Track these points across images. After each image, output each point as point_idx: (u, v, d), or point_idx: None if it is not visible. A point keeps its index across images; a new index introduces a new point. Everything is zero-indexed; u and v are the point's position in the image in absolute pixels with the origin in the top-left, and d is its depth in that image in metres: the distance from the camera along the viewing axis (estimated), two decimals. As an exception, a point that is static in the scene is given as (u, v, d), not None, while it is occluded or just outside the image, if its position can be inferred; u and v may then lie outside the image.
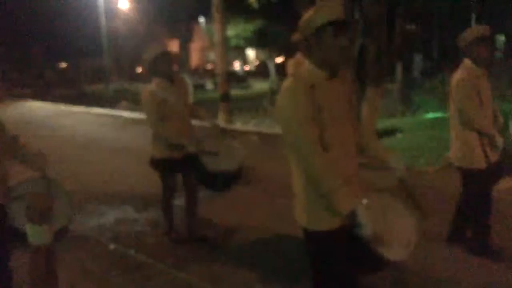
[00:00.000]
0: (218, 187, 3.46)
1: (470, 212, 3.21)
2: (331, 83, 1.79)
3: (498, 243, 3.27)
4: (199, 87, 25.03)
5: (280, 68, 25.46)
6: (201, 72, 35.55)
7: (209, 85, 26.48)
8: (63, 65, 41.69)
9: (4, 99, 19.32)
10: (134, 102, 18.12)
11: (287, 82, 1.78)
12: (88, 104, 16.47)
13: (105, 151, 7.87)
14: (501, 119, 3.14)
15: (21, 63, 34.52)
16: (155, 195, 4.76)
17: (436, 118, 9.63)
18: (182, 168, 3.46)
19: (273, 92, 17.17)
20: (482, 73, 3.01)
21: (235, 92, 15.62)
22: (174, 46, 36.23)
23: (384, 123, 9.01)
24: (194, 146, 3.22)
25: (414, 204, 1.95)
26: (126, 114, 13.26)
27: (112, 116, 13.08)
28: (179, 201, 3.83)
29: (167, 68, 3.31)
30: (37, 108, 16.53)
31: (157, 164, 3.48)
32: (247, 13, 21.14)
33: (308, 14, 1.77)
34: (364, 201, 1.76)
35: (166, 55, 3.30)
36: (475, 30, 2.99)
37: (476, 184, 3.09)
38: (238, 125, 10.91)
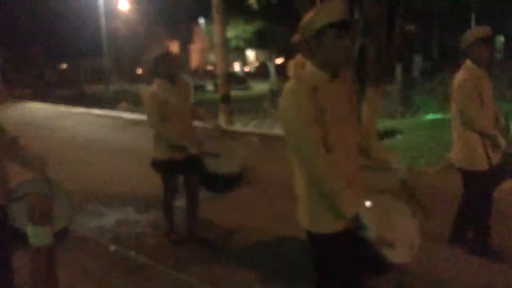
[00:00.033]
0: (219, 188, 3.45)
1: (471, 213, 3.21)
2: (333, 84, 1.79)
3: (498, 244, 3.27)
4: (199, 88, 25.05)
5: (280, 69, 25.50)
6: (201, 73, 35.59)
7: (209, 86, 26.50)
8: (63, 65, 41.73)
9: (4, 101, 19.32)
10: (134, 103, 18.13)
11: (289, 84, 1.78)
12: (88, 105, 16.47)
13: (105, 152, 7.87)
14: (502, 120, 3.14)
15: (21, 63, 34.54)
16: (156, 196, 4.77)
17: (436, 119, 9.63)
18: (183, 169, 3.46)
19: (273, 93, 17.16)
20: (484, 74, 3.01)
21: (235, 93, 15.61)
22: (174, 47, 36.23)
23: (384, 124, 9.01)
24: (195, 148, 3.22)
25: (416, 205, 1.95)
26: (126, 115, 13.26)
27: (112, 117, 13.08)
28: (179, 202, 3.83)
29: (167, 69, 3.31)
30: (37, 109, 16.54)
31: (158, 165, 3.47)
32: (247, 14, 21.17)
33: (308, 16, 1.77)
34: (367, 203, 1.76)
35: (166, 56, 3.30)
36: (477, 31, 2.99)
37: (477, 186, 3.09)
38: (238, 126, 10.91)
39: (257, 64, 40.45)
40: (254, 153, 6.44)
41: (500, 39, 23.66)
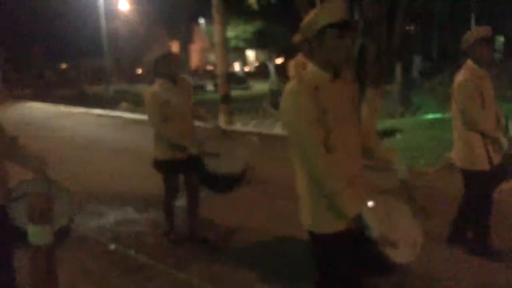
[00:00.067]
0: (220, 188, 3.45)
1: (471, 213, 3.21)
2: (334, 84, 1.79)
3: (498, 244, 3.27)
4: (199, 88, 25.07)
5: (280, 69, 25.51)
6: (201, 73, 35.60)
7: (209, 86, 26.51)
8: (63, 65, 41.72)
9: (4, 101, 19.32)
10: (134, 103, 18.14)
11: (290, 84, 1.78)
12: (88, 105, 16.48)
13: (105, 152, 7.87)
14: (503, 120, 3.14)
15: (21, 63, 34.54)
16: (156, 196, 4.77)
17: (435, 119, 9.64)
18: (184, 169, 3.46)
19: (273, 93, 17.16)
20: (485, 74, 3.01)
21: (235, 93, 15.62)
22: (174, 47, 36.22)
23: (383, 124, 9.02)
24: (195, 148, 3.22)
25: (416, 206, 1.95)
26: (126, 115, 13.26)
27: (112, 117, 13.08)
28: (180, 202, 3.83)
29: (169, 69, 3.31)
30: (37, 109, 16.54)
31: (160, 165, 3.48)
32: (247, 14, 21.18)
33: (309, 16, 1.77)
34: (370, 203, 1.76)
35: (167, 57, 3.30)
36: (478, 31, 2.99)
37: (478, 185, 3.09)
38: (238, 126, 10.92)
39: (257, 64, 40.45)
40: (254, 153, 6.44)
41: (500, 39, 23.66)
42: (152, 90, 3.33)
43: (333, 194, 1.70)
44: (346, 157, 1.79)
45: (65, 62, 41.22)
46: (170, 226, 3.71)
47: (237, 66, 37.59)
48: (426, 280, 2.92)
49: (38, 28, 31.45)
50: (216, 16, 10.38)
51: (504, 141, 2.95)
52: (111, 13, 29.92)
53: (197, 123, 3.58)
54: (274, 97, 16.02)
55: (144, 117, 11.97)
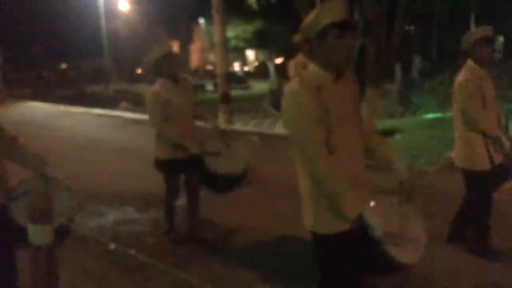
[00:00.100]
0: (220, 188, 3.45)
1: (471, 213, 3.21)
2: (336, 84, 1.79)
3: (498, 244, 3.27)
4: (199, 88, 25.08)
5: (280, 68, 25.52)
6: (201, 73, 35.61)
7: (209, 86, 26.52)
8: (63, 65, 41.71)
9: (4, 101, 19.32)
10: (134, 103, 18.15)
11: (291, 84, 1.77)
12: (88, 105, 16.48)
13: (105, 152, 7.87)
14: (503, 120, 3.14)
15: (21, 63, 34.53)
16: (155, 195, 4.77)
17: (435, 119, 9.64)
18: (185, 168, 3.45)
19: (272, 93, 17.18)
20: (485, 74, 3.01)
21: (235, 93, 15.63)
22: (174, 47, 36.21)
23: (383, 124, 9.02)
24: (196, 148, 3.22)
25: (416, 206, 1.95)
26: (126, 114, 13.26)
27: (112, 116, 13.08)
28: (180, 202, 3.83)
29: (169, 69, 3.31)
30: (37, 109, 16.54)
31: (161, 165, 3.47)
32: (246, 14, 21.18)
33: (310, 16, 1.76)
34: (372, 203, 1.76)
35: (168, 57, 3.30)
36: (479, 31, 2.99)
37: (479, 185, 3.08)
38: (238, 126, 10.92)
39: (256, 64, 40.46)
40: (254, 152, 6.44)
41: (500, 39, 23.67)
42: (153, 89, 3.33)
43: (335, 195, 1.70)
44: (348, 157, 1.78)
45: (65, 62, 41.21)
46: (170, 226, 3.71)
47: (237, 66, 37.60)
48: (426, 280, 2.93)
49: (38, 28, 31.44)
50: (216, 16, 10.38)
51: (505, 142, 2.95)
52: (111, 13, 29.91)
53: (197, 123, 3.58)
54: (274, 96, 16.05)
55: (144, 116, 11.96)
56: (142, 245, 3.68)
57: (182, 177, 3.60)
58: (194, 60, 41.73)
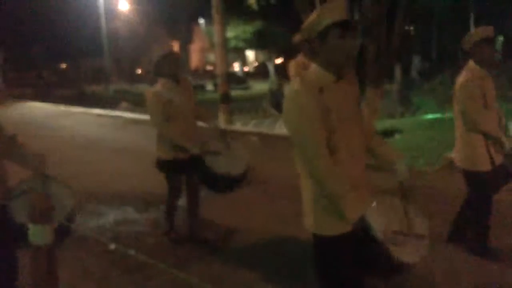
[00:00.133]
0: (220, 189, 3.45)
1: (471, 213, 3.21)
2: (338, 85, 1.78)
3: (498, 244, 3.27)
4: (199, 88, 25.09)
5: (280, 69, 25.52)
6: (201, 73, 35.63)
7: (209, 86, 26.52)
8: (63, 65, 41.72)
9: (5, 101, 19.33)
10: (134, 103, 18.15)
11: (293, 85, 1.76)
12: (88, 105, 16.48)
13: (105, 152, 7.87)
14: (504, 121, 3.14)
15: (21, 63, 34.54)
16: (155, 195, 4.77)
17: (435, 119, 9.64)
18: (187, 169, 3.44)
19: (272, 93, 17.17)
20: (486, 74, 3.01)
21: (234, 93, 15.63)
22: (174, 47, 36.24)
23: (383, 124, 9.01)
24: (197, 148, 3.22)
25: (415, 206, 1.95)
26: (126, 114, 13.26)
27: (112, 116, 13.08)
28: (180, 202, 3.82)
29: (172, 69, 3.30)
30: (37, 109, 16.54)
31: (162, 165, 3.47)
32: (246, 14, 21.19)
33: (312, 17, 1.76)
34: (374, 204, 1.75)
35: (169, 56, 3.29)
36: (480, 31, 2.99)
37: (480, 186, 3.08)
38: (238, 126, 10.92)
39: (256, 64, 40.48)
40: (254, 152, 6.44)
41: (500, 38, 23.68)
42: (154, 89, 3.32)
43: (336, 197, 1.69)
44: (349, 157, 1.78)
45: (65, 62, 41.22)
46: (170, 226, 3.71)
47: (236, 66, 37.60)
48: (426, 280, 2.93)
49: (38, 28, 31.44)
50: (216, 16, 10.38)
51: (506, 142, 2.95)
52: (111, 13, 29.92)
53: (198, 123, 3.58)
54: (274, 97, 16.05)
55: (143, 116, 11.97)
56: (142, 245, 3.68)
57: (183, 177, 3.60)
58: (194, 60, 41.75)
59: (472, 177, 3.10)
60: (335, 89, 1.76)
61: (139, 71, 38.77)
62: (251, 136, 8.40)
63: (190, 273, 3.15)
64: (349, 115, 1.80)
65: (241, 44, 24.90)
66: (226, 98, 10.53)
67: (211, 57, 33.06)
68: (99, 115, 13.45)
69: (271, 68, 27.55)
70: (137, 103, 17.62)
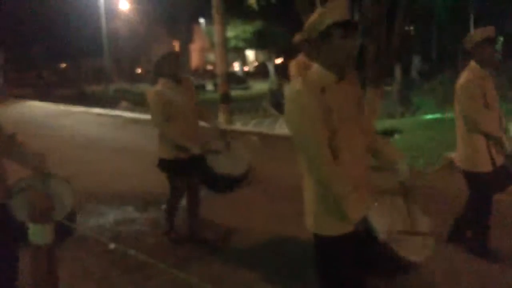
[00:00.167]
0: (221, 189, 3.44)
1: (472, 213, 3.20)
2: (340, 85, 1.78)
3: (497, 244, 3.27)
4: (199, 88, 25.08)
5: (280, 69, 25.53)
6: (201, 73, 35.61)
7: (209, 86, 26.52)
8: (63, 65, 41.73)
9: (5, 100, 19.34)
10: (134, 103, 18.15)
11: (295, 85, 1.76)
12: (88, 105, 16.48)
13: (105, 151, 7.87)
14: (504, 121, 3.13)
15: (22, 63, 34.53)
16: (155, 195, 4.77)
17: (435, 119, 9.64)
18: (189, 168, 3.43)
19: (272, 93, 17.19)
20: (487, 74, 3.00)
21: (234, 93, 15.64)
22: (175, 47, 36.20)
23: (383, 124, 9.02)
24: (198, 148, 3.21)
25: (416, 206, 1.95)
26: (126, 114, 13.27)
27: (112, 116, 13.08)
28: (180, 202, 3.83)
29: (171, 68, 3.29)
30: (37, 108, 16.54)
31: (164, 165, 3.46)
32: (246, 14, 21.19)
33: (313, 17, 1.76)
34: (375, 205, 1.75)
35: (172, 55, 3.28)
36: (481, 31, 2.98)
37: (481, 187, 3.07)
38: (238, 126, 10.92)
39: (256, 64, 40.48)
40: (254, 152, 6.44)
41: (500, 38, 23.69)
42: (155, 89, 3.32)
43: (338, 197, 1.69)
44: (351, 157, 1.78)
45: (65, 62, 41.22)
46: (171, 226, 3.71)
47: (236, 66, 37.61)
48: (426, 280, 2.93)
49: (38, 28, 31.42)
50: (216, 16, 10.38)
51: (507, 143, 2.94)
52: (112, 13, 29.91)
53: (200, 123, 3.57)
54: (274, 97, 16.06)
55: (143, 116, 11.96)
56: (142, 245, 3.68)
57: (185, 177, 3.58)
58: (194, 60, 41.74)
59: (472, 178, 3.09)
60: (336, 89, 1.76)
61: (139, 70, 38.76)
62: (251, 136, 8.40)
63: (190, 273, 3.14)
64: (351, 115, 1.80)
65: (241, 44, 24.91)
66: (226, 98, 10.53)
67: (211, 57, 33.04)
68: (99, 115, 13.45)
69: (271, 68, 27.55)
70: (137, 103, 17.64)
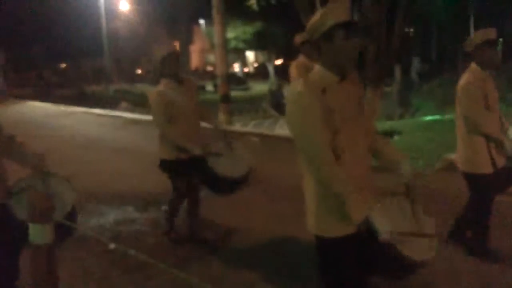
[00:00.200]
0: (222, 190, 3.44)
1: (472, 213, 3.21)
2: (341, 85, 1.78)
3: (497, 244, 3.27)
4: (199, 88, 25.03)
5: (279, 70, 25.56)
6: (201, 74, 35.60)
7: (208, 87, 26.51)
8: (63, 65, 41.74)
9: (5, 100, 19.34)
10: (134, 103, 18.16)
11: (296, 87, 1.75)
12: (88, 105, 16.49)
13: (105, 151, 7.87)
14: (505, 123, 3.13)
15: (21, 63, 34.54)
16: (155, 195, 4.78)
17: (434, 120, 9.64)
18: (190, 169, 3.43)
19: (272, 94, 17.20)
20: (487, 76, 3.01)
21: (234, 93, 15.65)
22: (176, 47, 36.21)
23: (382, 125, 9.02)
24: (199, 149, 3.21)
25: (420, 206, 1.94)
26: (126, 114, 13.27)
27: (112, 116, 13.09)
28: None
29: (172, 69, 3.29)
30: (37, 108, 16.54)
31: (165, 166, 3.46)
32: (247, 15, 21.22)
33: (316, 17, 1.76)
34: (377, 205, 1.75)
35: (173, 55, 3.28)
36: (482, 34, 2.98)
37: (481, 188, 3.07)
38: (238, 127, 10.93)
39: (256, 65, 40.50)
40: (254, 153, 6.45)
41: (500, 39, 23.71)
42: (157, 90, 3.31)
43: (340, 198, 1.69)
44: (352, 158, 1.77)
45: (65, 62, 41.23)
46: (171, 226, 3.71)
47: (236, 67, 37.63)
48: (426, 280, 2.93)
49: (38, 28, 31.45)
50: (216, 16, 10.39)
51: (507, 144, 2.94)
52: (112, 13, 29.93)
53: (201, 123, 3.57)
54: (274, 97, 16.07)
55: (143, 117, 11.96)
56: (142, 245, 3.68)
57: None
58: (194, 61, 41.74)
59: (473, 180, 3.09)
60: (338, 90, 1.76)
61: (139, 71, 38.76)
62: (251, 136, 8.40)
63: (190, 273, 3.15)
64: (352, 116, 1.79)
65: (241, 45, 24.95)
66: (226, 99, 10.54)
67: (211, 57, 33.04)
68: (99, 115, 13.46)
69: (271, 69, 27.58)
70: (137, 103, 17.65)
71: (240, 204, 4.54)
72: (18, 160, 2.34)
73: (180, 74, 3.40)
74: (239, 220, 4.16)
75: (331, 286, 1.90)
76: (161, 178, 3.68)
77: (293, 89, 1.77)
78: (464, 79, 3.02)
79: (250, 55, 40.58)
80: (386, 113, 11.86)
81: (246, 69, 39.39)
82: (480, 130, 2.96)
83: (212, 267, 3.25)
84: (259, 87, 27.45)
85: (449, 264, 3.12)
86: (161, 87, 3.31)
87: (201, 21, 32.28)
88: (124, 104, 18.82)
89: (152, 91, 3.35)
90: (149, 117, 3.47)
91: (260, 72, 34.94)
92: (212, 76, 27.20)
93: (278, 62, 28.37)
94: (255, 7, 16.20)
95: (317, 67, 1.80)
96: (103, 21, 26.16)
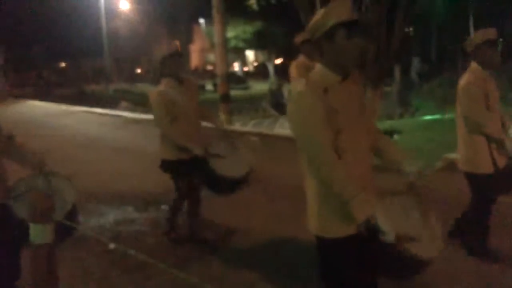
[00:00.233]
0: (223, 190, 3.44)
1: (472, 213, 3.21)
2: (343, 85, 1.77)
3: (497, 244, 3.27)
4: (199, 88, 25.04)
5: (279, 69, 25.55)
6: (200, 73, 35.60)
7: (208, 86, 26.50)
8: (63, 65, 41.75)
9: (5, 100, 19.34)
10: (134, 103, 18.16)
11: (297, 86, 1.75)
12: (88, 104, 16.49)
13: (105, 151, 7.87)
14: (507, 123, 3.13)
15: (22, 63, 34.53)
16: (155, 195, 4.78)
17: (434, 120, 9.64)
18: (191, 169, 3.43)
19: (272, 93, 17.19)
20: (488, 76, 3.00)
21: (234, 93, 15.64)
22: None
23: (382, 125, 9.02)
24: (200, 149, 3.21)
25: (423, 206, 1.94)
26: (126, 114, 13.27)
27: (112, 116, 13.09)
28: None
29: (172, 68, 3.28)
30: (37, 108, 16.54)
31: (167, 166, 3.45)
32: (247, 14, 21.22)
33: (317, 16, 1.75)
34: (382, 204, 1.74)
35: (174, 55, 3.27)
36: (482, 34, 2.98)
37: (483, 189, 3.07)
38: (237, 126, 10.92)
39: (256, 64, 40.49)
40: (254, 153, 6.44)
41: (500, 39, 23.68)
42: (158, 89, 3.31)
43: (343, 198, 1.68)
44: (355, 158, 1.76)
45: (65, 62, 41.25)
46: (171, 226, 3.71)
47: (236, 66, 37.61)
48: (426, 280, 2.93)
49: (38, 28, 31.44)
50: (216, 16, 10.38)
51: (508, 144, 2.94)
52: (112, 13, 29.93)
53: (202, 123, 3.57)
54: (274, 97, 16.06)
55: (143, 116, 11.95)
56: (142, 245, 3.68)
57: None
58: (194, 60, 41.74)
59: (474, 180, 3.09)
60: (340, 89, 1.75)
61: (139, 70, 38.76)
62: (251, 136, 8.40)
63: (190, 273, 3.15)
64: (354, 115, 1.78)
65: (241, 44, 24.95)
66: (226, 98, 10.53)
67: (211, 57, 33.04)
68: (100, 114, 13.45)
69: (270, 68, 27.58)
70: (137, 103, 17.64)
71: (240, 204, 4.54)
72: (18, 160, 2.34)
73: (181, 73, 3.40)
74: (239, 220, 4.16)
75: (331, 286, 1.90)
76: (161, 178, 3.67)
77: (294, 89, 1.76)
78: (464, 79, 3.02)
79: (250, 54, 40.56)
80: (386, 113, 11.85)
81: (246, 69, 39.37)
82: (480, 130, 2.95)
83: (212, 267, 3.25)
84: (259, 87, 27.44)
85: (449, 264, 3.12)
86: (161, 86, 3.31)
87: (201, 21, 32.30)
88: (124, 104, 18.83)
89: (152, 91, 3.34)
90: (149, 116, 3.47)
91: (260, 72, 34.93)
92: (212, 75, 27.18)
93: (278, 61, 28.37)
94: (255, 6, 16.23)
95: (318, 67, 1.79)
96: (103, 20, 26.17)
